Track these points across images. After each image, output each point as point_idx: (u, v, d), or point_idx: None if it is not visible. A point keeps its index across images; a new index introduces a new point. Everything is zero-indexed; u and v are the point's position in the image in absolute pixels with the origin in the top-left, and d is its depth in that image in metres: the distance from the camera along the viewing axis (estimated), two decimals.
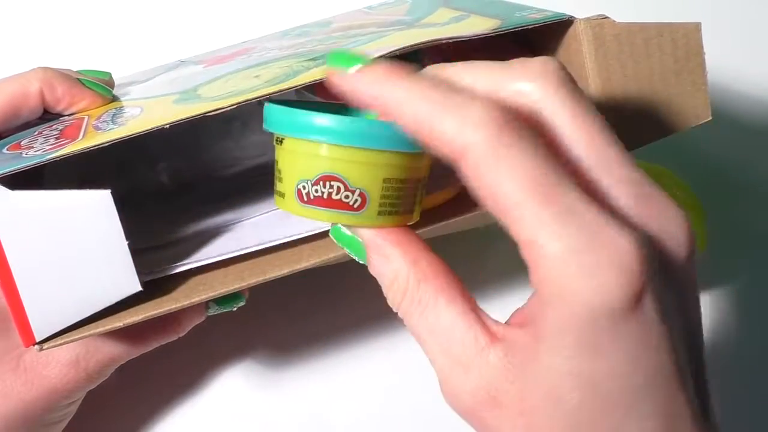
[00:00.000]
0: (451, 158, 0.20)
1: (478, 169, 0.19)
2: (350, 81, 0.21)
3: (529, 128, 0.19)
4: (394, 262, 0.23)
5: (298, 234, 0.27)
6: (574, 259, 0.18)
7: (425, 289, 0.22)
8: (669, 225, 0.20)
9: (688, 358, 0.20)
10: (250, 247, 0.27)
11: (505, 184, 0.19)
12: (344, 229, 0.23)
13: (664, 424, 0.19)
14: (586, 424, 0.19)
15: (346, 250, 0.24)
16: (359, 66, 0.21)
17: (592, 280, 0.18)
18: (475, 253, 0.39)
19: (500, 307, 0.39)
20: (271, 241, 0.27)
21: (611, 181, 0.20)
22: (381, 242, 0.23)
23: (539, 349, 0.20)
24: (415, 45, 0.26)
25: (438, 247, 0.39)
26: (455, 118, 0.19)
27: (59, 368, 0.29)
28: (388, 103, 0.20)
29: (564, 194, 0.19)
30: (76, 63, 0.31)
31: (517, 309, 0.22)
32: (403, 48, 0.26)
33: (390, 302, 0.23)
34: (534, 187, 0.19)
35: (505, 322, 0.22)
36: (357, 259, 0.24)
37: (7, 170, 0.23)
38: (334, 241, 0.24)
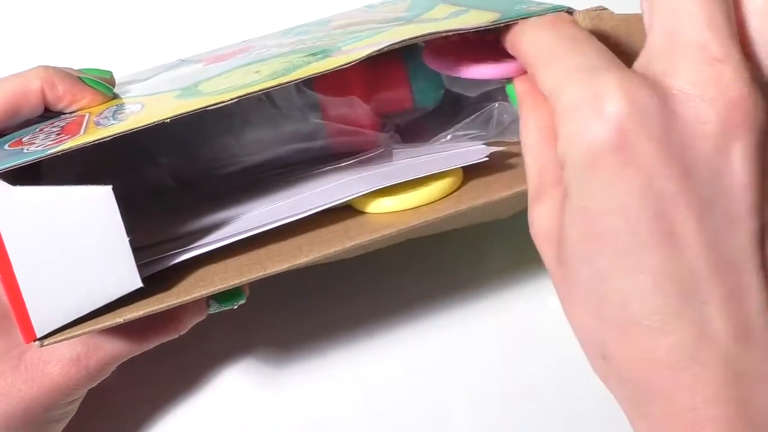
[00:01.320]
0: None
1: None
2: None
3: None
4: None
5: (297, 215, 0.27)
6: (575, 109, 0.21)
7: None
8: None
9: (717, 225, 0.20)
10: (248, 230, 0.27)
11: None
12: None
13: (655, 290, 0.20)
14: (580, 260, 0.21)
15: None
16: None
17: (580, 125, 0.20)
18: (475, 252, 0.39)
19: (500, 306, 0.39)
20: (270, 223, 0.27)
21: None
22: None
23: (564, 190, 0.22)
24: (415, 38, 0.26)
25: (438, 246, 0.39)
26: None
27: (60, 366, 0.29)
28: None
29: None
30: (77, 62, 0.31)
31: None
32: (403, 41, 0.26)
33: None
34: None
35: None
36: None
37: (8, 165, 0.23)
38: None
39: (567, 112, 0.21)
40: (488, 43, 0.28)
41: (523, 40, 0.25)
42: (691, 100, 0.20)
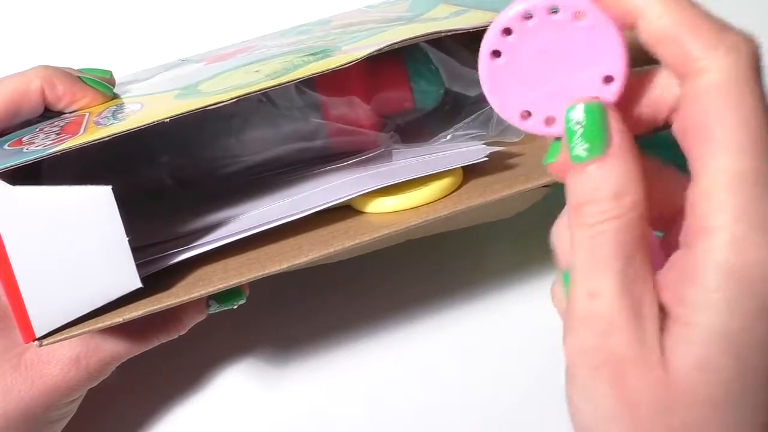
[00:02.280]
0: (681, 72, 0.19)
1: (708, 92, 0.19)
2: None
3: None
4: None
5: (297, 214, 0.27)
6: (753, 215, 0.18)
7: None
8: None
9: None
10: (248, 229, 0.27)
11: (727, 119, 0.19)
12: None
13: None
14: (736, 396, 0.19)
15: None
16: None
17: (766, 239, 0.18)
18: (476, 252, 0.39)
19: (500, 307, 0.39)
20: (270, 222, 0.27)
21: None
22: None
23: (689, 309, 0.19)
24: (416, 38, 0.26)
25: (438, 247, 0.39)
26: (708, 37, 0.19)
27: (60, 366, 0.29)
28: (638, 10, 0.19)
29: None
30: (77, 62, 0.31)
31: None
32: (403, 41, 0.26)
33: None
34: (751, 134, 0.18)
35: None
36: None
37: (8, 165, 0.23)
38: None
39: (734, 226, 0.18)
40: None
41: None
42: None
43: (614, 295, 0.19)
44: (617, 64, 0.20)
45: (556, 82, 0.21)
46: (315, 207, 0.27)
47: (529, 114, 0.21)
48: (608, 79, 0.20)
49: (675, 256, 0.20)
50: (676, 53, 0.19)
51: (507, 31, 0.20)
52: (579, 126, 0.20)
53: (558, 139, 0.21)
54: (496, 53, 0.21)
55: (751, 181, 0.18)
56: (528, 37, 0.20)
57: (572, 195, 0.20)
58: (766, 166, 0.18)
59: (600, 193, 0.20)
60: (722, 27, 0.19)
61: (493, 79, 0.21)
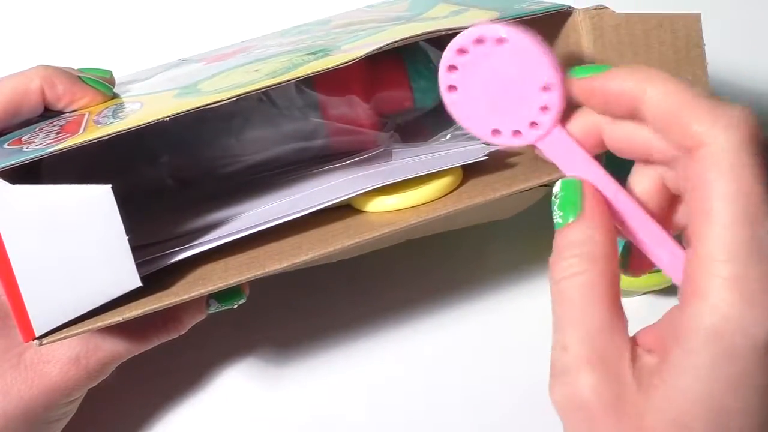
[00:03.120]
0: (684, 148, 0.20)
1: (705, 164, 0.20)
2: (602, 79, 0.22)
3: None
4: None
5: (297, 213, 0.27)
6: (743, 286, 0.19)
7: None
8: None
9: None
10: (248, 228, 0.27)
11: (722, 189, 0.19)
12: None
13: None
14: None
15: None
16: (608, 69, 0.22)
17: (753, 309, 0.18)
18: (475, 252, 0.39)
19: (500, 306, 0.39)
20: (270, 221, 0.27)
21: None
22: None
23: (671, 368, 0.20)
24: (415, 37, 0.26)
25: (439, 245, 0.39)
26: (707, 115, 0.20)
27: (60, 366, 0.29)
28: (638, 97, 0.21)
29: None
30: (77, 62, 0.31)
31: (645, 328, 0.22)
32: (403, 39, 0.26)
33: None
34: (746, 205, 0.19)
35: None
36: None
37: (8, 164, 0.23)
38: None
39: (731, 288, 0.19)
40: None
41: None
42: None
43: (579, 347, 0.21)
44: (548, 74, 0.22)
45: (508, 101, 0.23)
46: (315, 206, 0.27)
47: (498, 131, 0.24)
48: (546, 88, 0.23)
49: (670, 312, 0.21)
50: (678, 132, 0.20)
51: (452, 68, 0.23)
52: (556, 198, 0.22)
53: None
54: (452, 87, 0.24)
55: (744, 252, 0.19)
56: (470, 69, 0.23)
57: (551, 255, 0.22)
58: (759, 237, 0.19)
59: (566, 251, 0.22)
60: (720, 104, 0.20)
61: (457, 109, 0.24)
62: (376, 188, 0.28)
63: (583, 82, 0.22)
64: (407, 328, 0.37)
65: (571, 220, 0.22)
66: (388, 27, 0.29)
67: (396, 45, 0.26)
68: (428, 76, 0.32)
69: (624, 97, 0.21)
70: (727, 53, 0.42)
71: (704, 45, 0.28)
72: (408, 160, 0.30)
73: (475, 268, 0.39)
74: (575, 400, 0.21)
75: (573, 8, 0.27)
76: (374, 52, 0.25)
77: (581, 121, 0.23)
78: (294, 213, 0.27)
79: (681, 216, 0.24)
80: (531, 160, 0.29)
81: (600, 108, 0.23)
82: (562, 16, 0.27)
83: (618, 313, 0.21)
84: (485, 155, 0.28)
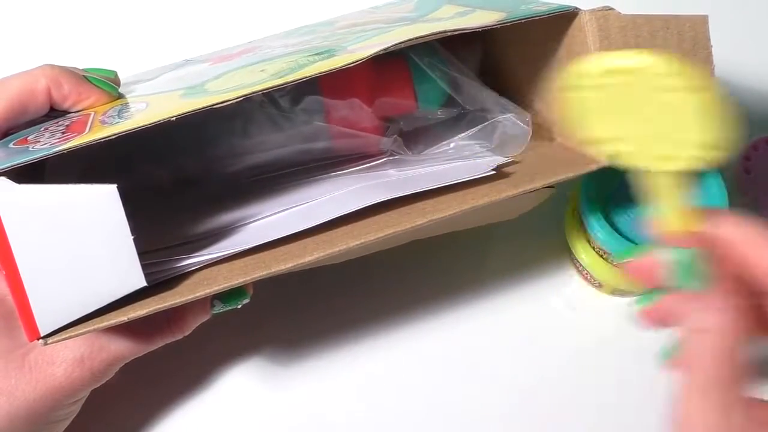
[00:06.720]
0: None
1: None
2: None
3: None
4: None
5: (308, 224, 0.27)
6: None
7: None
8: None
9: None
10: (261, 239, 0.27)
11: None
12: None
13: None
14: None
15: None
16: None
17: None
18: (479, 253, 0.39)
19: (504, 307, 0.39)
20: (282, 231, 0.27)
21: None
22: None
23: None
24: (421, 38, 0.26)
25: (439, 246, 0.39)
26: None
27: (64, 367, 0.29)
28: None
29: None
30: (82, 62, 0.31)
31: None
32: (408, 41, 0.26)
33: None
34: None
35: None
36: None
37: (14, 163, 0.23)
38: None
39: None
40: None
41: None
42: None
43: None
44: None
45: None
46: (324, 218, 0.27)
47: None
48: None
49: None
50: None
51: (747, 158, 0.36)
52: None
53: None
54: (747, 170, 0.35)
55: None
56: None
57: None
58: None
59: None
60: None
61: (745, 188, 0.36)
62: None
63: None
64: (412, 329, 0.37)
65: None
66: (394, 28, 0.29)
67: (402, 46, 0.25)
68: (432, 80, 0.32)
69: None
70: (734, 55, 0.41)
71: (711, 46, 0.28)
72: (417, 171, 0.30)
73: (479, 269, 0.39)
74: None
75: (579, 9, 0.27)
76: (380, 53, 0.25)
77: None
78: (305, 225, 0.27)
79: None
80: (535, 162, 0.29)
81: None
82: (568, 17, 0.27)
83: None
84: (492, 169, 0.28)
